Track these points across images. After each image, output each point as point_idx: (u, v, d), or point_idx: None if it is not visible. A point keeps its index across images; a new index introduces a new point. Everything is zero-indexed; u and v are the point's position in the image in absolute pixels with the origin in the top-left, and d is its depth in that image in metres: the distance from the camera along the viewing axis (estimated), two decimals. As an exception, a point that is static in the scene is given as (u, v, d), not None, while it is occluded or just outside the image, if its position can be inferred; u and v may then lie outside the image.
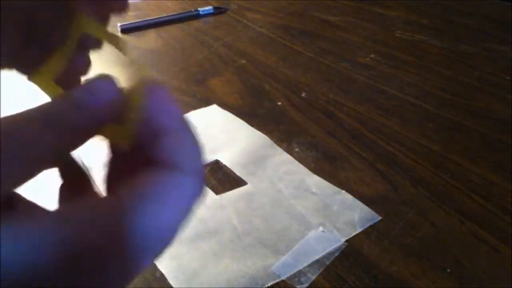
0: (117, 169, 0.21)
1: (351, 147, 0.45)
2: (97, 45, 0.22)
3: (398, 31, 0.74)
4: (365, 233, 0.35)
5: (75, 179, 0.21)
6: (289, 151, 0.44)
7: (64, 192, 0.21)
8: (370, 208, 0.37)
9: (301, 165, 0.42)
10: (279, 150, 0.44)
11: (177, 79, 0.59)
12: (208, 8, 0.84)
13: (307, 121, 0.50)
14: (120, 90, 0.19)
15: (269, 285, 0.30)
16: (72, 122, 0.17)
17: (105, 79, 0.18)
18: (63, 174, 0.21)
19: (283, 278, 0.31)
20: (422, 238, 0.34)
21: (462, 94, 0.55)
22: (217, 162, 0.43)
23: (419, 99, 0.54)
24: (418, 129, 0.48)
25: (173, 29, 0.77)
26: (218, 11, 0.85)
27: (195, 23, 0.80)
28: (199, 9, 0.83)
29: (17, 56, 0.22)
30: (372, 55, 0.66)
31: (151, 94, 0.19)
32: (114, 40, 0.21)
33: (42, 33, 0.22)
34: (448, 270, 0.32)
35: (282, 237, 0.34)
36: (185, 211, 0.18)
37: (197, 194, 0.19)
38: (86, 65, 0.24)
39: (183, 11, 0.83)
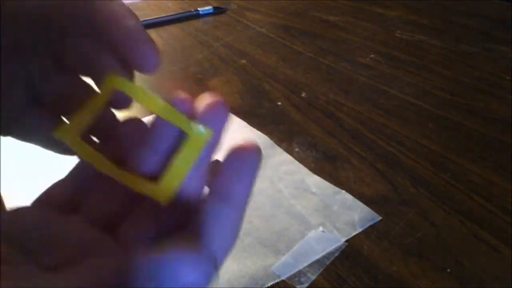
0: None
1: (351, 147, 0.45)
2: (127, 102, 0.21)
3: (398, 31, 0.74)
4: (365, 233, 0.35)
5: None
6: (289, 151, 0.44)
7: None
8: (370, 208, 0.37)
9: (301, 165, 0.42)
10: (279, 150, 0.44)
11: (177, 79, 0.59)
12: (208, 8, 0.84)
13: (307, 121, 0.50)
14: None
15: (269, 285, 0.30)
16: None
17: None
18: None
19: (283, 278, 0.31)
20: (422, 238, 0.34)
21: (462, 94, 0.55)
22: (217, 162, 0.43)
23: (419, 99, 0.54)
24: (418, 129, 0.48)
25: (173, 29, 0.77)
26: (218, 11, 0.85)
27: (195, 23, 0.80)
28: (199, 9, 0.83)
29: (15, 120, 0.21)
30: (372, 55, 0.66)
31: (237, 157, 0.19)
32: (148, 99, 0.20)
33: (45, 93, 0.21)
34: (448, 270, 0.32)
35: (282, 237, 0.34)
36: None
37: (206, 282, 0.18)
38: (111, 122, 0.23)
39: (183, 11, 0.83)
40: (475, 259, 0.32)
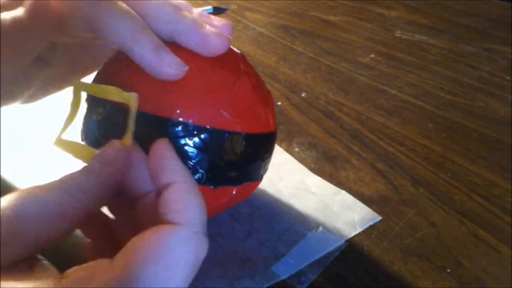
0: (121, 225, 0.23)
1: (351, 147, 0.45)
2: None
3: (398, 31, 0.74)
4: (365, 233, 0.35)
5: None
6: (289, 151, 0.44)
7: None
8: (370, 208, 0.37)
9: (301, 165, 0.42)
10: (279, 150, 0.44)
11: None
12: (208, 8, 0.84)
13: (307, 121, 0.50)
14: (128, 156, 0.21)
15: (269, 285, 0.30)
16: (84, 188, 0.19)
17: (114, 148, 0.20)
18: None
19: (283, 278, 0.31)
20: (422, 238, 0.34)
21: (462, 94, 0.55)
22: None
23: (419, 99, 0.54)
24: (418, 129, 0.48)
25: (173, 29, 0.77)
26: (218, 11, 0.85)
27: (195, 23, 0.80)
28: (198, 9, 0.83)
29: None
30: (372, 55, 0.66)
31: (151, 154, 0.21)
32: (116, 94, 0.22)
33: None
34: (448, 270, 0.32)
35: (282, 237, 0.34)
36: (187, 270, 0.18)
37: (200, 250, 0.19)
38: None
39: (183, 11, 0.83)
40: (475, 259, 0.32)
